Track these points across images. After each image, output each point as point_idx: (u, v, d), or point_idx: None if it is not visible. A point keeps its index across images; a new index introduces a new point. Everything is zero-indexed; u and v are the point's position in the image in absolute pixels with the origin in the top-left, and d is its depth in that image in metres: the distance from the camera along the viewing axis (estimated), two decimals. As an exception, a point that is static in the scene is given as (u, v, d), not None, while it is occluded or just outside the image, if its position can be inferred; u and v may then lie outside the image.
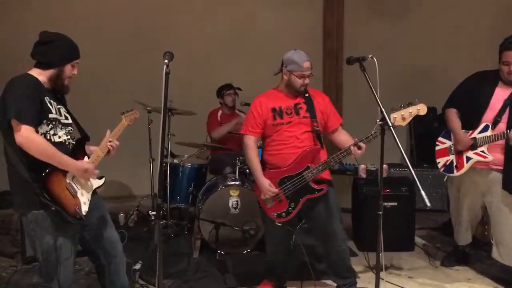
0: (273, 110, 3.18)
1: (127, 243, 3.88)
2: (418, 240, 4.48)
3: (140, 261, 3.77)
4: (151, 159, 4.92)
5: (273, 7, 6.35)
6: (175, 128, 4.77)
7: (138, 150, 5.08)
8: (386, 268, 3.76)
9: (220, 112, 5.20)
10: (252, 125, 3.21)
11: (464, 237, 3.81)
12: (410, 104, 2.70)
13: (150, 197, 4.93)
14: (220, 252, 4.13)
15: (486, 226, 4.05)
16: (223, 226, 4.09)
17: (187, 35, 6.10)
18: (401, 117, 2.69)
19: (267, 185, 3.10)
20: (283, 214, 3.14)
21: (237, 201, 4.17)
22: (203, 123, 5.19)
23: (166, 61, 2.36)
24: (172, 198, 4.69)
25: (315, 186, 3.11)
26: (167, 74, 2.31)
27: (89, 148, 2.70)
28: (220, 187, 4.23)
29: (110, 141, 2.66)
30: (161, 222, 2.40)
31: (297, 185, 3.10)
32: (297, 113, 3.17)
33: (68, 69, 2.56)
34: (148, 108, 4.63)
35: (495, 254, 3.52)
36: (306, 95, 3.21)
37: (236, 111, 5.29)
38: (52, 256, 2.44)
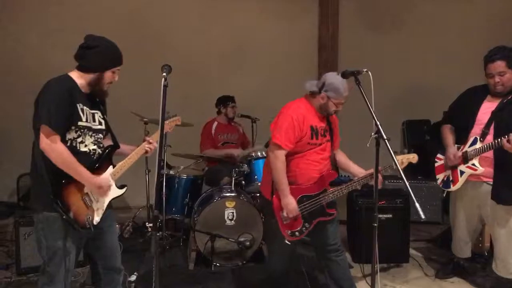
0: (312, 128, 3.06)
1: (122, 255, 3.83)
2: (412, 252, 4.48)
3: (135, 273, 3.77)
4: (147, 170, 4.91)
5: (269, 19, 6.42)
6: (171, 139, 4.78)
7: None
8: (381, 280, 3.77)
9: (215, 124, 5.22)
10: (290, 139, 3.00)
11: (462, 250, 3.81)
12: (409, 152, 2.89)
13: (146, 209, 4.92)
14: (216, 264, 4.12)
15: (480, 238, 4.07)
16: (218, 238, 4.08)
17: (185, 47, 6.14)
18: (401, 161, 2.97)
19: (295, 206, 3.02)
20: (297, 233, 3.10)
21: (232, 212, 4.17)
22: (199, 135, 5.21)
23: (164, 74, 2.35)
24: (167, 209, 4.68)
25: (328, 210, 3.11)
26: (165, 87, 2.31)
27: (123, 147, 2.78)
28: (216, 198, 4.22)
29: (150, 143, 2.76)
30: (157, 234, 2.41)
31: (314, 206, 3.08)
32: (325, 136, 3.15)
33: (108, 75, 2.57)
34: (145, 119, 4.64)
35: (493, 265, 3.55)
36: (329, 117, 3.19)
37: (232, 123, 5.32)
38: (57, 257, 2.46)
